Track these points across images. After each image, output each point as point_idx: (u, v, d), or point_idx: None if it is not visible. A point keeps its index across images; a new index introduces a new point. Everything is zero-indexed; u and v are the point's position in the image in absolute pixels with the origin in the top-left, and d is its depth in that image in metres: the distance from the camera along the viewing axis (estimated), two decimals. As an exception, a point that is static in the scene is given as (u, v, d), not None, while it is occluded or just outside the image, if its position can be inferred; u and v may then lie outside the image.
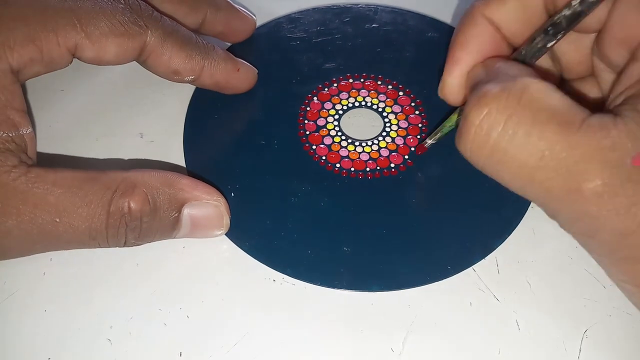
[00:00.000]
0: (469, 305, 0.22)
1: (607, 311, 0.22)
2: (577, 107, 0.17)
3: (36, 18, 0.22)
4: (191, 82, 0.26)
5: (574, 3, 0.18)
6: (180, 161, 0.27)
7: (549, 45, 0.19)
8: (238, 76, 0.27)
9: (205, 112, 0.28)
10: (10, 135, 0.21)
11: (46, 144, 0.27)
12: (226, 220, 0.23)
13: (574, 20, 0.18)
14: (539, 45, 0.19)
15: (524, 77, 0.17)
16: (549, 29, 0.19)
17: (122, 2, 0.23)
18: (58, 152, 0.26)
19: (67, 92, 0.29)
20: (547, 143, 0.16)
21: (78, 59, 0.24)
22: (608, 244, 0.17)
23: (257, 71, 0.28)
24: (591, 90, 0.22)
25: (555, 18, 0.19)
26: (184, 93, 0.29)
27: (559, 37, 0.19)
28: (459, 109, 0.22)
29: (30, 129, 0.22)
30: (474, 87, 0.19)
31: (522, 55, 0.20)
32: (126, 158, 0.27)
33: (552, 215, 0.18)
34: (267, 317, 0.22)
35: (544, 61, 0.22)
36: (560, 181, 0.16)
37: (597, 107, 0.18)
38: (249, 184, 0.25)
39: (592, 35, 0.20)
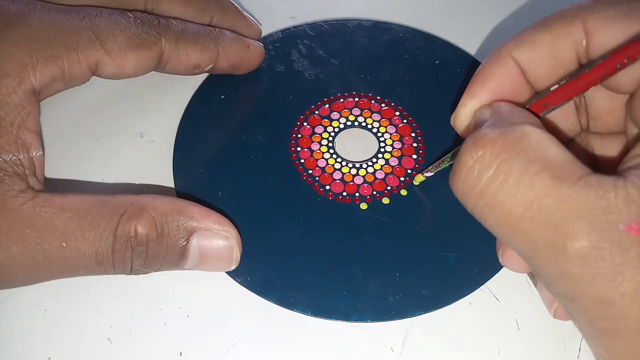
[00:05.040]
0: (469, 305, 0.22)
1: (606, 311, 0.22)
2: (576, 163, 0.16)
3: (57, 38, 0.22)
4: (210, 70, 0.27)
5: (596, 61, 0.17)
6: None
7: (552, 88, 0.18)
8: (249, 53, 0.28)
9: (195, 136, 0.27)
10: (20, 157, 0.21)
11: (47, 144, 0.26)
12: (236, 254, 0.22)
13: (581, 71, 0.18)
14: (547, 89, 0.19)
15: (525, 124, 0.17)
16: (566, 78, 0.18)
17: (131, 15, 0.24)
18: (58, 152, 0.26)
19: (67, 92, 0.29)
20: (536, 194, 0.15)
21: (99, 75, 0.24)
22: (588, 312, 0.15)
23: (263, 46, 0.29)
24: (617, 148, 0.20)
25: (577, 70, 0.18)
26: (184, 93, 0.29)
27: (562, 83, 0.18)
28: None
29: (40, 152, 0.22)
30: (476, 127, 0.18)
31: (534, 100, 0.19)
32: (126, 158, 0.27)
33: (536, 270, 0.17)
34: (266, 316, 0.22)
35: (565, 107, 0.20)
36: (545, 235, 0.15)
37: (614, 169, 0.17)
38: (241, 213, 0.24)
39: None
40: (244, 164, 0.26)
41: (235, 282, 0.23)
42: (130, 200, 0.21)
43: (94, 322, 0.22)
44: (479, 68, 0.20)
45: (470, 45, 0.31)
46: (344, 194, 0.25)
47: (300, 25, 0.32)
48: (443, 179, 0.25)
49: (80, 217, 0.20)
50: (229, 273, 0.23)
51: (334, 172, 0.26)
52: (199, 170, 0.26)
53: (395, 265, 0.23)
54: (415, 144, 0.27)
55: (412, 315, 0.22)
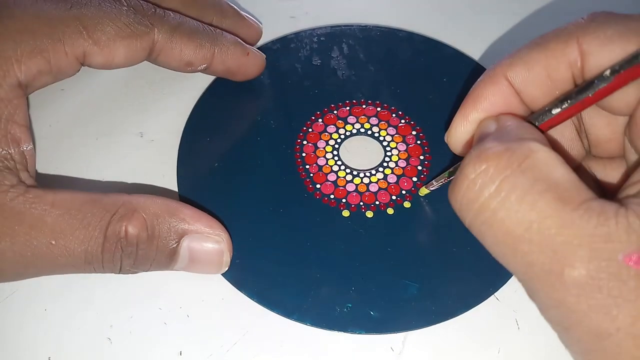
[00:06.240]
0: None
1: (606, 310, 0.22)
2: (581, 186, 0.15)
3: (42, 29, 0.22)
4: (204, 70, 0.26)
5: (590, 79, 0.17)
6: (180, 161, 0.27)
7: (554, 111, 0.18)
8: (248, 61, 0.27)
9: (206, 119, 0.28)
10: (10, 152, 0.21)
11: (46, 144, 0.27)
12: (226, 258, 0.22)
13: (581, 93, 0.17)
14: (545, 109, 0.18)
15: (533, 141, 0.16)
16: (567, 102, 0.18)
17: (125, 4, 0.23)
18: (58, 152, 0.26)
19: (67, 91, 0.29)
20: (538, 215, 0.15)
21: (88, 65, 0.23)
22: (582, 343, 0.15)
23: (265, 56, 0.28)
24: (618, 174, 0.20)
25: (575, 92, 0.18)
26: (184, 92, 0.29)
27: (564, 106, 0.18)
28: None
29: (30, 146, 0.21)
30: (480, 139, 0.18)
31: (529, 119, 0.19)
32: (126, 157, 0.27)
33: (530, 294, 0.16)
34: (266, 315, 0.22)
35: (567, 133, 0.20)
36: (543, 259, 0.15)
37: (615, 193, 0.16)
38: (228, 187, 0.25)
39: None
40: (249, 144, 0.27)
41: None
42: (122, 200, 0.21)
43: (94, 322, 0.22)
44: (472, 87, 0.20)
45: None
46: (332, 196, 0.25)
47: (352, 25, 0.32)
48: (432, 210, 0.25)
49: (71, 215, 0.20)
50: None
51: (329, 173, 0.26)
52: (206, 139, 0.27)
53: (354, 278, 0.23)
54: (420, 167, 0.26)
55: (353, 332, 0.21)
